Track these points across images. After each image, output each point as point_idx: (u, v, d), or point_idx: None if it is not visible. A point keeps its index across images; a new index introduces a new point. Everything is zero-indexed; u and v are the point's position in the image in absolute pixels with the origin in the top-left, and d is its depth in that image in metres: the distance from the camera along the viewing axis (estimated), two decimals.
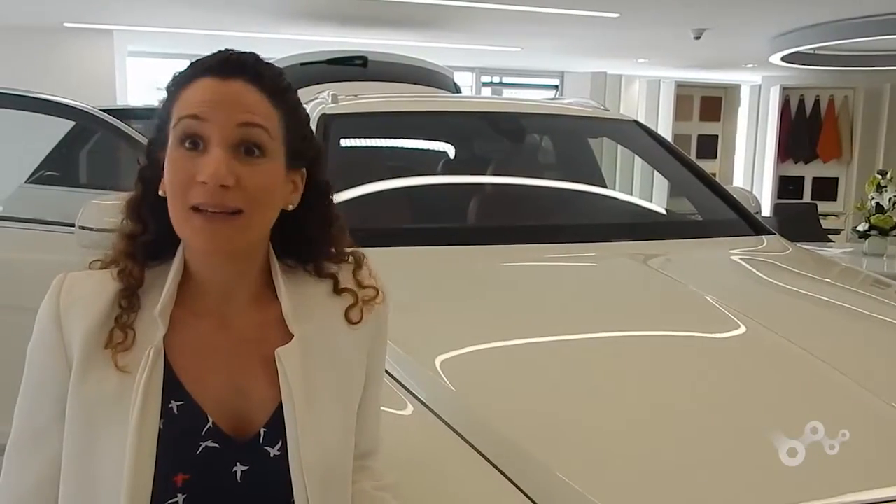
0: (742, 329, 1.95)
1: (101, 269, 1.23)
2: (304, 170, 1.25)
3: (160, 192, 1.17)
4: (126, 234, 1.22)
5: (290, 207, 1.23)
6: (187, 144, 1.12)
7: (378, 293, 1.30)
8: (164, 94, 1.19)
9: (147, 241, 1.21)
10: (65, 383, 1.16)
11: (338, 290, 1.28)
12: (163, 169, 1.16)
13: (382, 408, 1.40)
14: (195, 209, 1.11)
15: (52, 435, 1.17)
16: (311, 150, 1.25)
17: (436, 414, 1.63)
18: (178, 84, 1.17)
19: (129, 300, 1.18)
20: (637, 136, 3.49)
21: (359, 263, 1.32)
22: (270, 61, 1.21)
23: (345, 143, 3.18)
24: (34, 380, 1.20)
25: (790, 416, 1.59)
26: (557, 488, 1.41)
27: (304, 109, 1.24)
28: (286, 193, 1.21)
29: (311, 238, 1.27)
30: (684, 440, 1.56)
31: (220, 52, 1.18)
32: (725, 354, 1.92)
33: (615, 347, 1.96)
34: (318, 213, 1.27)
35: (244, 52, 1.18)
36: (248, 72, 1.15)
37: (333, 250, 1.30)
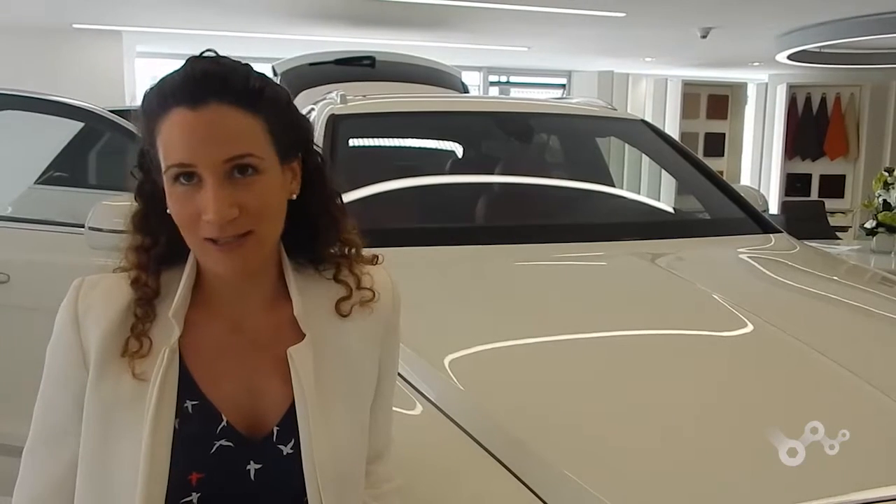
0: (750, 327, 1.95)
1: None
2: (300, 153, 1.25)
3: (168, 210, 1.17)
4: (137, 247, 1.23)
5: (294, 196, 1.23)
6: (182, 181, 1.12)
7: (374, 295, 1.30)
8: (141, 114, 1.18)
9: (159, 252, 1.23)
10: (82, 384, 1.17)
11: (336, 279, 1.28)
12: (163, 188, 1.16)
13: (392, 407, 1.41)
14: (207, 239, 1.13)
15: (69, 434, 1.19)
16: (300, 133, 1.24)
17: (445, 413, 1.64)
18: (153, 113, 1.14)
19: (144, 309, 1.20)
20: (644, 135, 3.49)
21: (359, 255, 1.31)
22: (237, 58, 1.18)
23: (353, 143, 3.19)
24: (52, 381, 1.22)
25: (799, 415, 1.59)
26: (566, 487, 1.41)
27: (285, 95, 1.22)
28: (287, 186, 1.21)
29: (313, 219, 1.27)
30: (693, 438, 1.57)
31: (183, 68, 1.15)
32: (734, 353, 1.92)
33: (623, 346, 1.97)
34: (317, 192, 1.27)
35: (208, 62, 1.15)
36: (217, 88, 1.12)
37: (336, 237, 1.29)
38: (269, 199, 1.16)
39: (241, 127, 1.13)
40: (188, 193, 1.12)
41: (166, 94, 1.14)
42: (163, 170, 1.14)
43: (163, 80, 1.16)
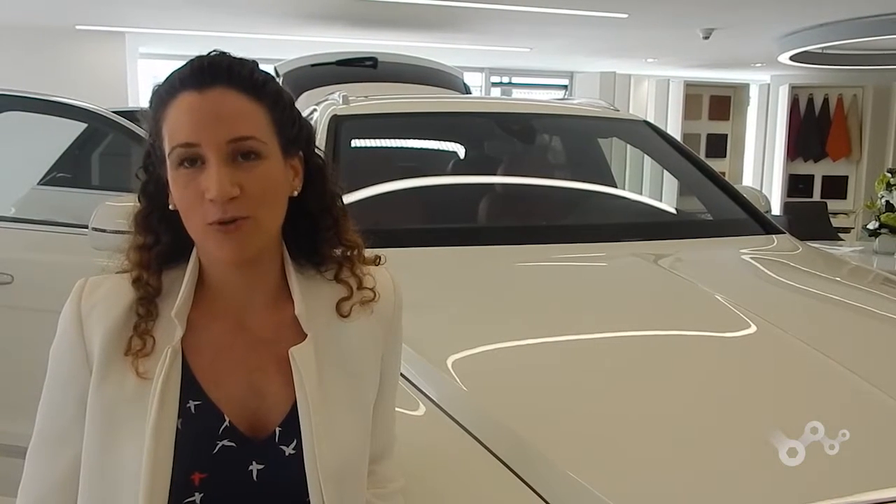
0: (752, 328, 1.95)
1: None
2: (302, 152, 1.26)
3: (171, 207, 1.20)
4: (139, 246, 1.24)
5: (296, 193, 1.25)
6: (186, 164, 1.14)
7: (375, 295, 1.30)
8: (149, 108, 1.21)
9: (161, 251, 1.24)
10: (85, 384, 1.18)
11: (338, 279, 1.29)
12: (166, 184, 1.19)
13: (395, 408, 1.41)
14: (211, 224, 1.14)
15: (73, 435, 1.19)
16: (302, 132, 1.26)
17: (448, 414, 1.64)
18: (161, 102, 1.18)
19: (146, 308, 1.20)
20: (647, 135, 3.49)
21: (361, 256, 1.32)
22: (246, 56, 1.22)
23: (356, 143, 3.19)
24: (56, 381, 1.22)
25: (803, 416, 1.59)
26: (570, 488, 1.41)
27: (287, 94, 1.25)
28: (289, 182, 1.23)
29: (315, 219, 1.28)
30: (697, 439, 1.56)
31: (192, 60, 1.19)
32: (736, 354, 1.92)
33: (626, 347, 1.97)
34: (318, 192, 1.29)
35: (215, 55, 1.19)
36: (224, 75, 1.16)
37: (338, 238, 1.30)
38: (271, 184, 1.18)
39: (246, 110, 1.16)
40: (191, 175, 1.14)
41: (174, 83, 1.17)
42: (167, 153, 1.16)
43: (171, 73, 1.19)
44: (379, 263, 1.35)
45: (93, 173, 4.77)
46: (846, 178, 11.80)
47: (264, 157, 1.16)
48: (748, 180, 12.60)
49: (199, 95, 1.14)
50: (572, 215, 3.21)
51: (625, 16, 8.10)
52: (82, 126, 4.25)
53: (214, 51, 1.20)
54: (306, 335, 1.23)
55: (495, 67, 13.48)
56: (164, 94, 1.18)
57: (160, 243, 1.24)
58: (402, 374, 1.47)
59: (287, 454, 1.19)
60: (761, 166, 12.88)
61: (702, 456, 1.53)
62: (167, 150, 1.16)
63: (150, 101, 1.20)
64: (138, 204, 1.26)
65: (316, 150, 1.30)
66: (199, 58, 1.18)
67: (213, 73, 1.16)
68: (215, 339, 1.22)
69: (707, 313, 2.10)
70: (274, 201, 1.20)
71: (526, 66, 13.37)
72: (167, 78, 1.19)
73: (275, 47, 9.98)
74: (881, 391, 1.67)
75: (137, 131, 3.64)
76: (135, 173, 1.26)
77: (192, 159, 1.14)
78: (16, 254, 3.48)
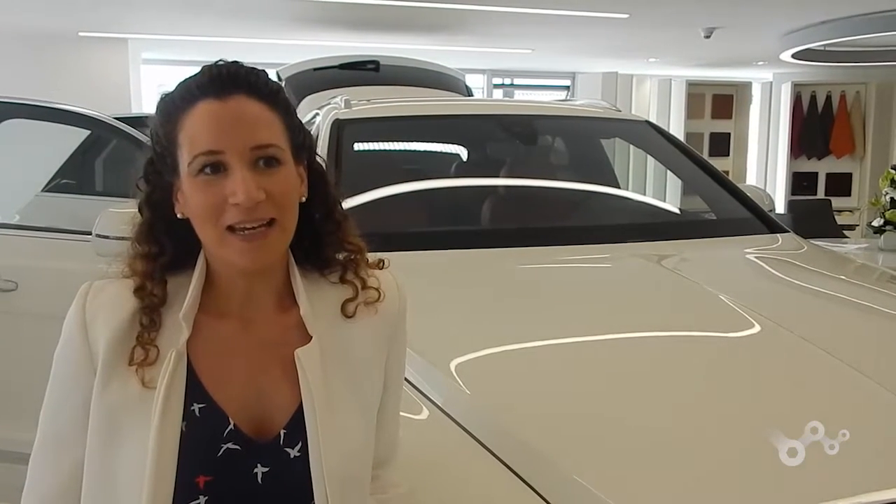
0: (757, 328, 1.94)
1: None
2: (305, 159, 1.27)
3: (178, 215, 1.20)
4: (144, 256, 1.24)
5: (303, 199, 1.25)
6: (207, 171, 1.15)
7: (379, 295, 1.31)
8: (159, 116, 1.20)
9: (166, 262, 1.23)
10: (89, 388, 1.18)
11: (343, 280, 1.30)
12: (171, 192, 1.19)
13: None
14: (230, 229, 1.15)
15: (76, 438, 1.19)
16: (307, 139, 1.28)
17: (451, 418, 1.64)
18: (177, 109, 1.18)
19: (150, 318, 1.20)
20: (649, 135, 3.49)
21: (364, 259, 1.32)
22: (248, 61, 1.23)
23: (358, 147, 3.19)
24: (60, 384, 1.22)
25: (808, 416, 1.58)
26: (574, 491, 1.41)
27: (291, 101, 1.27)
28: (298, 188, 1.24)
29: (318, 224, 1.29)
30: (701, 441, 1.56)
31: (207, 68, 1.19)
32: (741, 354, 1.92)
33: (631, 349, 1.96)
34: (321, 197, 1.30)
35: (230, 64, 1.20)
36: (243, 83, 1.17)
37: (341, 241, 1.30)
38: (291, 189, 1.20)
39: (265, 118, 1.18)
40: (213, 182, 1.15)
41: (192, 90, 1.17)
42: (187, 162, 1.16)
43: (184, 81, 1.20)
44: (382, 267, 1.35)
45: (96, 180, 4.78)
46: (850, 175, 11.78)
47: (283, 163, 1.18)
48: (752, 179, 12.57)
49: (219, 103, 1.15)
50: (575, 217, 3.20)
51: (626, 16, 8.09)
52: (86, 133, 4.25)
53: (221, 60, 1.21)
54: (311, 337, 1.23)
55: (497, 69, 13.47)
56: (181, 101, 1.18)
57: (165, 254, 1.24)
58: (406, 378, 1.47)
59: (292, 456, 1.19)
60: (765, 165, 12.84)
61: (708, 458, 1.52)
62: (187, 159, 1.15)
63: (162, 109, 1.20)
64: (140, 215, 1.26)
65: (317, 157, 1.31)
66: (216, 66, 1.19)
67: (232, 81, 1.17)
68: (220, 341, 1.22)
69: (712, 314, 2.09)
70: (294, 205, 1.21)
71: (528, 67, 13.37)
72: (181, 85, 1.20)
73: (277, 51, 9.98)
74: (889, 391, 1.66)
75: (140, 137, 3.64)
76: (135, 184, 1.26)
77: (215, 166, 1.14)
78: (20, 260, 3.48)
